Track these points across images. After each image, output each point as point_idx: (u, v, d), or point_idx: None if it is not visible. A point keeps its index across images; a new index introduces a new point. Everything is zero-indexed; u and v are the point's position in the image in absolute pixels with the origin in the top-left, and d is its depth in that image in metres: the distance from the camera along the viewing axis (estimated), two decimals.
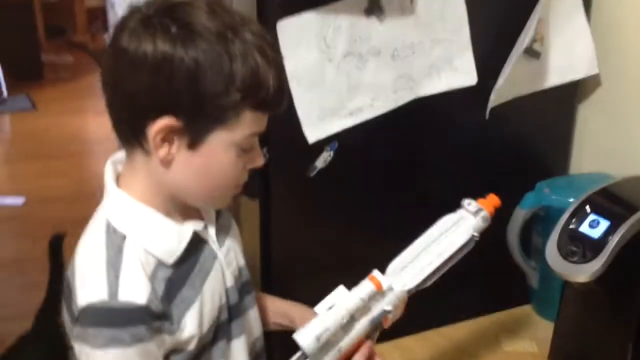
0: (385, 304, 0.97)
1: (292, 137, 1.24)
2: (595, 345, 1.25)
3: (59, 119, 4.56)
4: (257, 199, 1.30)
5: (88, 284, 0.89)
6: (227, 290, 0.99)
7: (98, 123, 4.40)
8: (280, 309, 1.13)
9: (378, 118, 1.29)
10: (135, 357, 0.87)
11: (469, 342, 1.37)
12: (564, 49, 1.40)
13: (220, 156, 0.90)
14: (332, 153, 1.29)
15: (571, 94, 1.49)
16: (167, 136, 0.87)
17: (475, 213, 1.03)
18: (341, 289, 0.95)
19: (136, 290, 0.88)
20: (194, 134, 0.88)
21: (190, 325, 0.92)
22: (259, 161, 0.95)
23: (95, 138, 4.27)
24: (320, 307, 0.94)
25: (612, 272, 1.13)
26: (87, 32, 5.77)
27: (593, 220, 1.15)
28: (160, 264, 0.91)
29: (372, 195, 1.35)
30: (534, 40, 1.34)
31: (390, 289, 0.97)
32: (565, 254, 1.16)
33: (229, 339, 1.00)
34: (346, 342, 0.94)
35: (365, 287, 0.95)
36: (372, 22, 1.24)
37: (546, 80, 1.41)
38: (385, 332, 1.26)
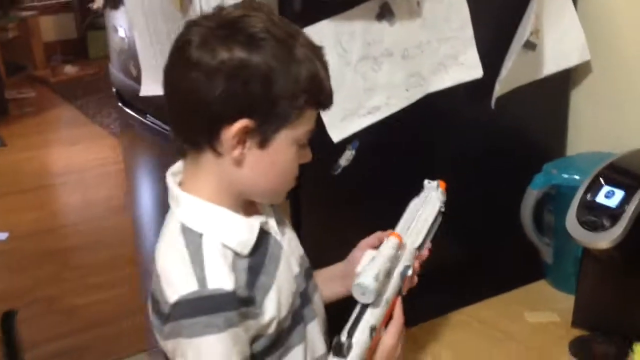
0: (405, 260, 1.09)
1: (317, 138, 1.32)
2: (615, 310, 1.34)
3: (28, 154, 4.55)
4: (287, 199, 1.37)
5: (176, 280, 0.94)
6: (295, 277, 1.06)
7: (65, 155, 4.43)
8: (326, 275, 1.19)
9: (393, 115, 1.38)
10: (229, 341, 0.92)
11: (494, 319, 1.45)
12: (557, 39, 1.51)
13: (285, 153, 0.98)
14: (354, 151, 1.36)
15: (565, 81, 1.60)
16: (242, 138, 0.94)
17: (436, 188, 1.20)
18: (370, 251, 1.06)
19: (222, 278, 0.94)
20: (264, 133, 0.95)
21: (270, 308, 0.98)
22: (309, 156, 1.04)
23: (63, 170, 4.28)
24: (361, 265, 1.03)
25: (629, 239, 1.22)
26: (47, 67, 5.74)
27: (608, 191, 1.25)
28: (236, 255, 0.97)
29: (392, 189, 1.43)
30: (530, 33, 1.44)
31: (405, 246, 1.10)
32: (586, 224, 1.25)
33: (305, 323, 1.06)
34: (389, 293, 1.03)
35: (391, 241, 1.06)
36: (384, 26, 1.33)
37: (543, 70, 1.52)
38: (415, 316, 1.35)
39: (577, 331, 1.38)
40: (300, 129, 0.97)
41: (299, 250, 1.11)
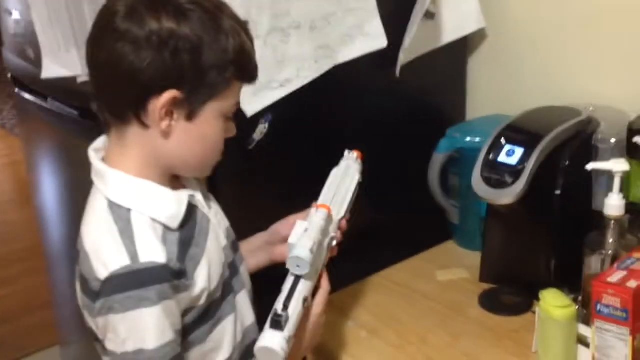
0: (332, 231, 1.13)
1: None
2: (520, 263, 1.43)
3: None
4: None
5: (107, 256, 0.94)
6: (223, 249, 1.07)
7: None
8: (250, 247, 1.21)
9: (304, 87, 1.40)
10: (162, 314, 0.93)
11: (408, 280, 1.51)
12: (454, 8, 1.57)
13: (213, 125, 0.99)
14: (267, 125, 1.38)
15: (462, 48, 1.67)
16: (170, 110, 0.94)
17: (355, 160, 1.26)
18: (300, 222, 1.09)
19: (154, 251, 0.94)
20: (192, 105, 0.95)
21: (201, 279, 1.00)
22: (234, 130, 1.05)
23: None
24: (294, 236, 1.06)
25: (531, 193, 1.31)
26: None
27: (509, 150, 1.33)
28: (166, 229, 0.97)
29: (305, 161, 1.46)
30: (429, 3, 1.50)
31: (330, 217, 1.14)
32: (490, 182, 1.32)
33: (235, 294, 1.08)
34: (320, 264, 1.08)
35: (322, 212, 1.10)
36: None
37: (442, 38, 1.58)
38: (335, 282, 1.39)
39: (486, 285, 1.46)
40: (227, 102, 0.98)
41: (225, 222, 1.12)
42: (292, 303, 1.01)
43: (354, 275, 1.50)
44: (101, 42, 0.95)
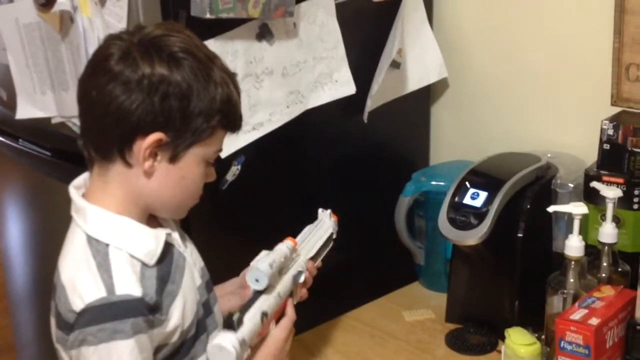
0: (299, 266, 1.17)
1: None
2: (485, 303, 1.47)
3: None
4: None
5: (83, 288, 0.95)
6: (198, 288, 1.09)
7: None
8: (223, 292, 1.22)
9: (275, 131, 1.44)
10: (135, 348, 0.94)
11: (376, 320, 1.54)
12: (418, 59, 1.64)
13: (194, 169, 1.01)
14: (239, 167, 1.42)
15: (426, 96, 1.74)
16: (154, 151, 0.97)
17: (329, 217, 1.32)
18: (264, 251, 1.12)
19: (130, 284, 0.96)
20: (176, 148, 0.98)
21: (176, 315, 1.01)
22: (214, 175, 1.08)
23: None
24: (256, 259, 1.10)
25: (494, 234, 1.36)
26: None
27: (474, 193, 1.38)
28: (144, 265, 0.99)
29: (275, 201, 1.50)
30: (395, 53, 1.57)
31: (299, 254, 1.19)
32: (455, 224, 1.37)
33: (208, 333, 1.09)
34: (282, 288, 1.11)
35: (286, 243, 1.14)
36: (264, 46, 1.40)
37: (406, 87, 1.65)
38: (305, 322, 1.42)
39: (452, 325, 1.50)
40: (210, 148, 1.02)
41: (200, 262, 1.14)
42: (249, 312, 1.03)
43: (322, 315, 1.52)
44: (94, 81, 0.98)
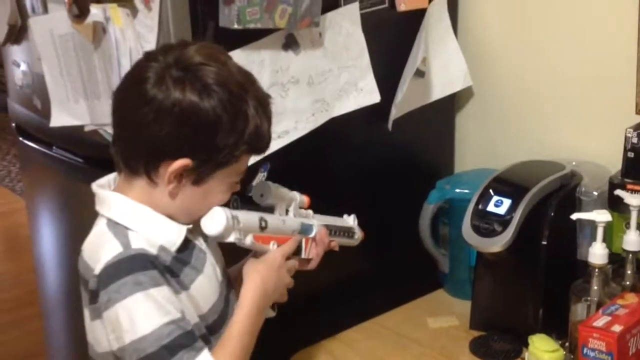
0: (310, 221, 1.21)
1: None
2: (509, 310, 1.48)
3: None
4: None
5: (101, 252, 0.99)
6: (220, 283, 1.12)
7: None
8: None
9: (301, 138, 1.47)
10: (157, 298, 0.97)
11: (400, 326, 1.55)
12: (442, 67, 1.66)
13: (216, 190, 1.05)
14: (265, 173, 1.44)
15: (450, 105, 1.76)
16: (180, 174, 1.01)
17: (354, 220, 1.34)
18: None
19: (146, 245, 1.00)
20: (201, 174, 1.02)
21: (196, 291, 1.04)
22: (238, 187, 1.10)
23: None
24: None
25: (518, 242, 1.37)
26: None
27: (497, 200, 1.39)
28: (162, 249, 1.02)
29: None
30: (420, 62, 1.59)
31: (313, 217, 1.23)
32: (480, 231, 1.38)
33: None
34: (288, 220, 1.16)
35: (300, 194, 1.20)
36: (290, 55, 1.43)
37: (431, 95, 1.67)
38: (330, 328, 1.43)
39: (476, 332, 1.50)
40: (234, 171, 1.05)
41: (222, 263, 1.17)
42: (247, 211, 1.08)
43: (347, 321, 1.54)
44: (128, 100, 1.02)
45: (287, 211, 1.18)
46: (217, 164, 1.02)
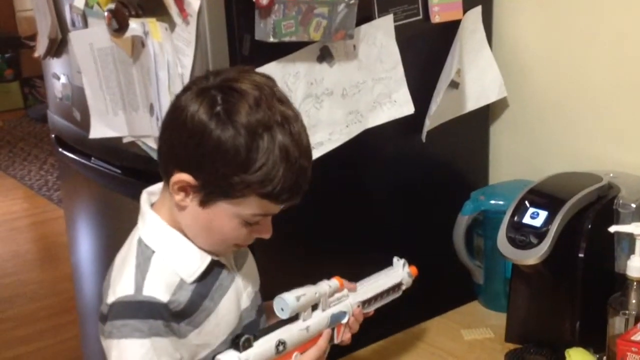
0: (343, 307, 1.18)
1: None
2: (545, 323, 1.46)
3: None
4: None
5: (118, 284, 1.02)
6: (242, 312, 1.13)
7: None
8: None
9: (334, 151, 1.48)
10: (151, 349, 0.99)
11: (434, 338, 1.55)
12: (477, 78, 1.66)
13: (223, 221, 1.03)
14: None
15: (485, 116, 1.75)
16: (184, 188, 1.02)
17: (403, 267, 1.32)
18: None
19: (159, 290, 1.02)
20: (204, 196, 1.01)
21: (206, 331, 1.06)
22: (266, 235, 1.08)
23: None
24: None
25: (554, 254, 1.35)
26: None
27: (533, 213, 1.38)
28: (180, 285, 1.04)
29: (332, 220, 1.53)
30: (454, 73, 1.58)
31: (347, 295, 1.19)
32: (515, 243, 1.37)
33: None
34: (313, 323, 1.12)
35: (332, 281, 1.16)
36: (324, 68, 1.44)
37: (465, 106, 1.66)
38: (364, 339, 1.43)
39: (511, 345, 1.49)
40: (243, 209, 1.01)
41: (255, 286, 1.17)
42: (264, 337, 1.06)
43: (380, 333, 1.54)
44: (169, 107, 1.05)
45: (316, 306, 1.14)
46: (221, 192, 1.00)
